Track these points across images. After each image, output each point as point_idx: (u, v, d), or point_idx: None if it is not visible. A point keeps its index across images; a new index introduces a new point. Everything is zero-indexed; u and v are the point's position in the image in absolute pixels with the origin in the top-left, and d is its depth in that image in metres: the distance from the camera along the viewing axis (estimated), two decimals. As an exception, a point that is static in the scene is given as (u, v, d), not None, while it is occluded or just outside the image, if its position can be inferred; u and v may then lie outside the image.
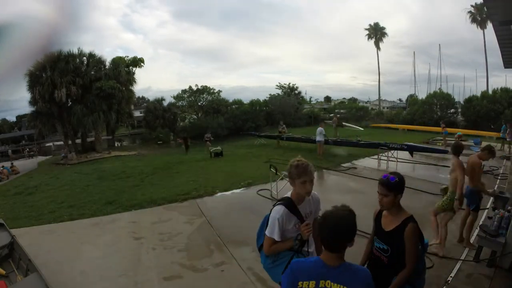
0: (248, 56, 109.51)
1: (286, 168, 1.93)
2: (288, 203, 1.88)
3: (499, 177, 7.21)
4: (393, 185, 1.80)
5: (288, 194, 1.96)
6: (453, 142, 7.57)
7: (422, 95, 35.54)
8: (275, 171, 6.14)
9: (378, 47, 37.13)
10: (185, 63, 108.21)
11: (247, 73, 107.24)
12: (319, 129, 10.74)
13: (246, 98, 32.08)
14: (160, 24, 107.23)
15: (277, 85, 38.26)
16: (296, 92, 38.40)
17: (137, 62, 25.17)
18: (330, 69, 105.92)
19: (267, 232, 1.87)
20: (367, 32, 36.87)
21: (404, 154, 9.85)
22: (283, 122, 17.35)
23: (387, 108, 46.76)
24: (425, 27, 78.09)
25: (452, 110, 24.70)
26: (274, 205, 1.93)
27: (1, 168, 15.20)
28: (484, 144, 11.82)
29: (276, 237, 1.83)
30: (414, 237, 1.78)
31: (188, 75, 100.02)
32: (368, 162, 9.76)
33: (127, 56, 25.23)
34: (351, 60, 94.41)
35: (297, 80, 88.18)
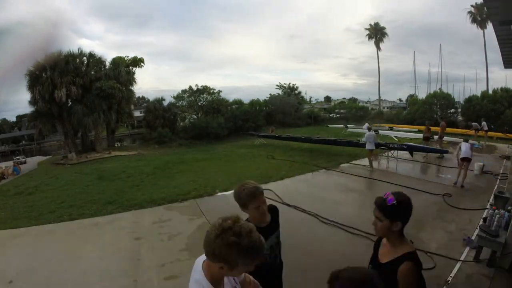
0: (218, 56, 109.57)
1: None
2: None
3: (499, 177, 7.19)
4: (388, 209, 1.40)
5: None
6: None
7: (419, 94, 35.48)
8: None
9: (378, 48, 37.01)
10: (157, 64, 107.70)
11: (230, 73, 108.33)
12: None
13: (238, 98, 32.09)
14: (114, 29, 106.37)
15: (277, 85, 38.29)
16: (296, 92, 38.40)
17: (137, 62, 25.17)
18: (314, 67, 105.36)
19: None
20: (367, 32, 36.80)
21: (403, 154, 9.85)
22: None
23: (387, 108, 46.67)
24: (400, 13, 70.45)
25: (452, 110, 24.70)
26: None
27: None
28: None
29: None
30: (409, 278, 1.36)
31: (166, 76, 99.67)
32: (368, 162, 9.73)
33: (127, 56, 25.27)
34: (332, 58, 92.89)
35: (284, 79, 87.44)
